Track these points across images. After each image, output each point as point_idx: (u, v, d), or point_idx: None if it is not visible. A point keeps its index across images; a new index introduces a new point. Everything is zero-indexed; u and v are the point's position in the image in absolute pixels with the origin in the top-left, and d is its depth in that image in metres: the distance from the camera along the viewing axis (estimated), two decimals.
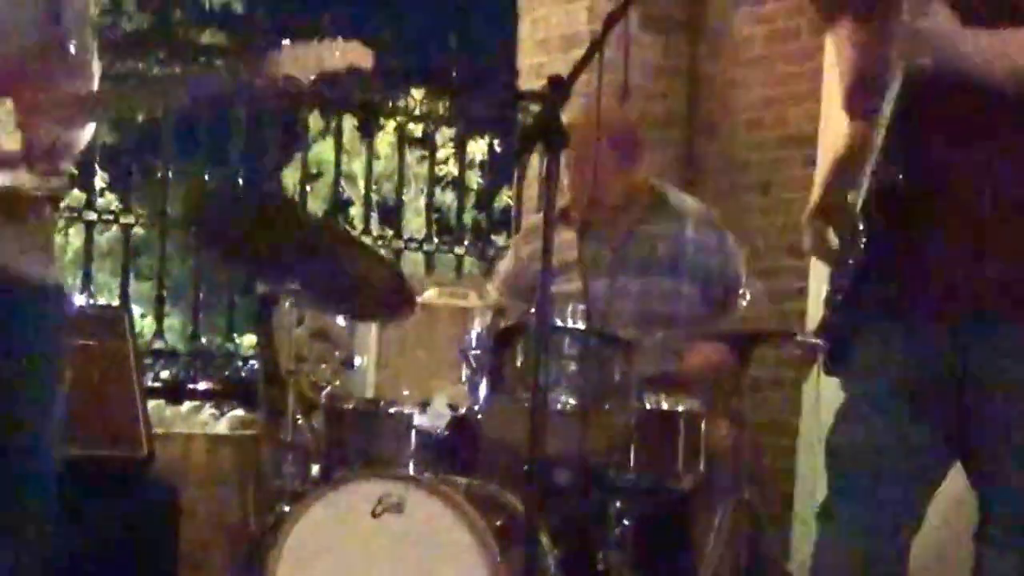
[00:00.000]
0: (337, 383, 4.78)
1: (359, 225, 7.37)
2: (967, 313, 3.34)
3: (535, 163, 6.38)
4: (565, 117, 3.62)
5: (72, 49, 3.70)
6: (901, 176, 3.32)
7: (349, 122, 7.48)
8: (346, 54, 3.77)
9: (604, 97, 4.87)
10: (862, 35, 3.44)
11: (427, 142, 7.61)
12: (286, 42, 3.76)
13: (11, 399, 3.66)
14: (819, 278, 4.36)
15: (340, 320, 4.91)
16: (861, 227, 3.34)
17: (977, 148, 3.33)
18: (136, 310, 6.41)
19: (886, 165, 3.32)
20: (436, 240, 7.40)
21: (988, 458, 3.39)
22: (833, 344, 3.52)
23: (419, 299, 4.60)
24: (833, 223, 3.48)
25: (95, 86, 3.78)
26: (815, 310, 4.66)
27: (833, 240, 3.49)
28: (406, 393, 4.55)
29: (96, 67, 3.79)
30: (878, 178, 3.33)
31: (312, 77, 3.74)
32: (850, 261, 3.41)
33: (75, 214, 6.78)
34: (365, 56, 3.82)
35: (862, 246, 3.36)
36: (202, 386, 6.35)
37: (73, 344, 5.23)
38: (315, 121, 7.77)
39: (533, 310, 3.62)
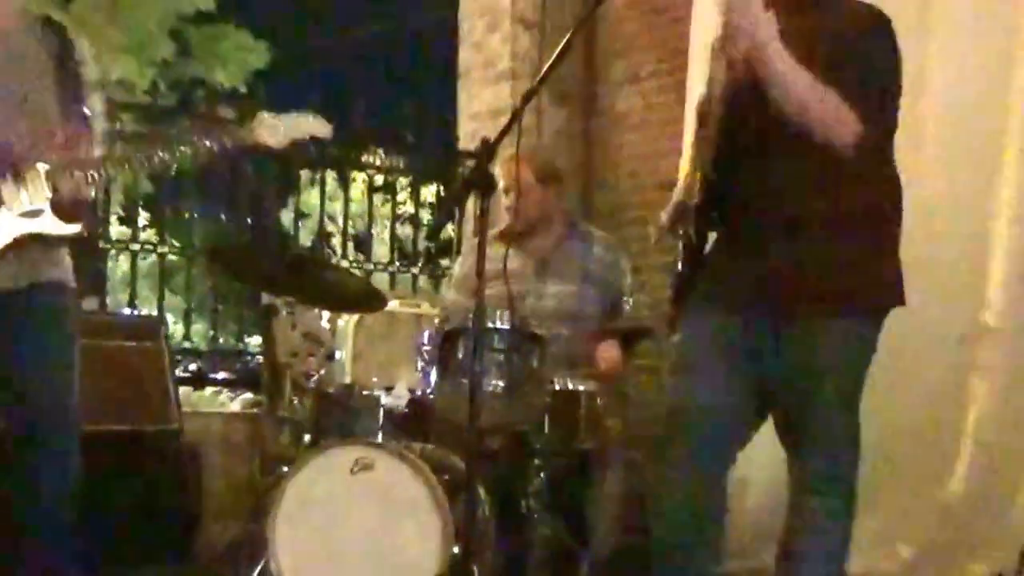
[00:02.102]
0: (322, 372, 4.73)
1: (339, 252, 7.34)
2: (779, 308, 3.30)
3: (471, 204, 6.35)
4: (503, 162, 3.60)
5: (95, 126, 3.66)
6: (724, 191, 3.29)
7: (330, 174, 7.41)
8: (310, 125, 3.73)
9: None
10: None
11: (390, 188, 7.60)
12: (262, 113, 3.69)
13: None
14: None
15: (324, 324, 4.87)
16: (692, 229, 3.31)
17: (784, 171, 3.27)
18: (169, 318, 6.33)
19: (711, 182, 3.29)
20: (397, 263, 7.38)
21: (800, 425, 3.35)
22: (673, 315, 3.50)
23: (385, 307, 4.58)
24: (679, 226, 3.44)
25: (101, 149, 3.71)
26: None
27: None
28: (375, 379, 4.51)
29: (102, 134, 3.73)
30: (705, 192, 3.30)
31: (283, 143, 3.68)
32: (686, 255, 3.38)
33: (123, 245, 6.77)
34: (324, 127, 3.77)
35: (694, 241, 3.33)
36: (220, 376, 6.31)
37: (112, 342, 5.25)
38: (304, 174, 7.70)
39: (471, 315, 3.58)
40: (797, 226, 3.27)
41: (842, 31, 3.24)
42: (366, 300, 4.55)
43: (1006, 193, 4.53)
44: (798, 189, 3.26)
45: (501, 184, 4.82)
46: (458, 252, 6.99)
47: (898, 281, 3.35)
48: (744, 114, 3.27)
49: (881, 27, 3.30)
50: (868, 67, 3.22)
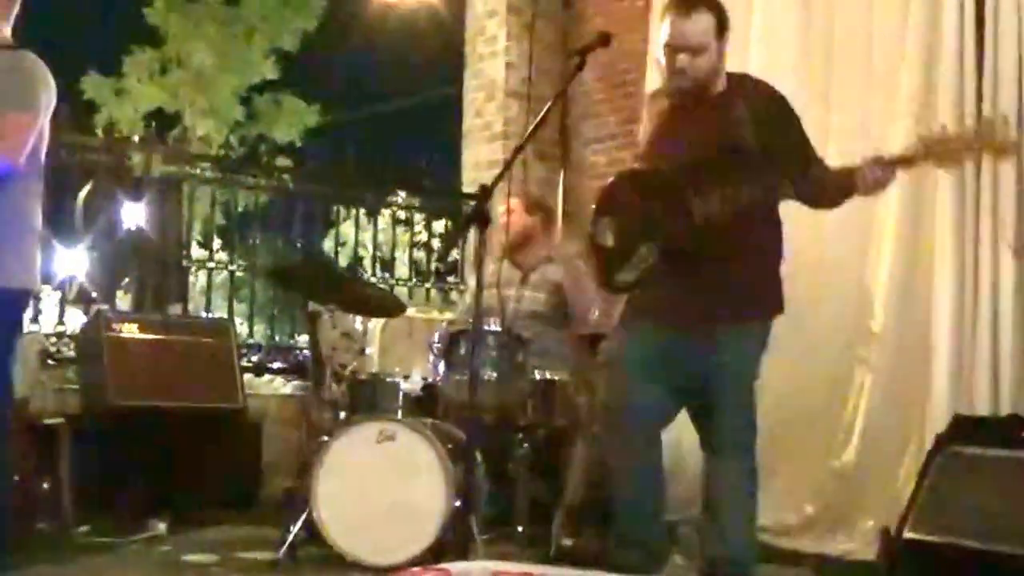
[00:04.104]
0: (355, 363, 4.72)
1: (369, 271, 7.35)
2: (695, 321, 3.32)
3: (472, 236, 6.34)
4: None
5: None
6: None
7: (362, 211, 7.40)
8: None
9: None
10: None
11: (409, 222, 7.60)
12: None
13: None
14: None
15: (358, 326, 4.86)
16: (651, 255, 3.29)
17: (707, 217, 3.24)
18: (237, 320, 6.31)
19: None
20: (414, 280, 7.38)
21: (711, 406, 3.36)
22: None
23: (405, 313, 4.59)
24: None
25: None
26: None
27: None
28: (396, 369, 4.50)
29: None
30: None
31: None
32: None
33: (201, 264, 6.83)
34: None
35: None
36: (276, 366, 6.29)
37: (192, 339, 5.22)
38: (341, 211, 7.71)
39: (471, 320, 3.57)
40: (712, 259, 3.28)
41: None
42: (390, 307, 4.55)
43: (889, 222, 4.53)
44: (714, 231, 3.25)
45: (501, 210, 4.90)
46: (462, 272, 7.02)
47: (779, 295, 3.42)
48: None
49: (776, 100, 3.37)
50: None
